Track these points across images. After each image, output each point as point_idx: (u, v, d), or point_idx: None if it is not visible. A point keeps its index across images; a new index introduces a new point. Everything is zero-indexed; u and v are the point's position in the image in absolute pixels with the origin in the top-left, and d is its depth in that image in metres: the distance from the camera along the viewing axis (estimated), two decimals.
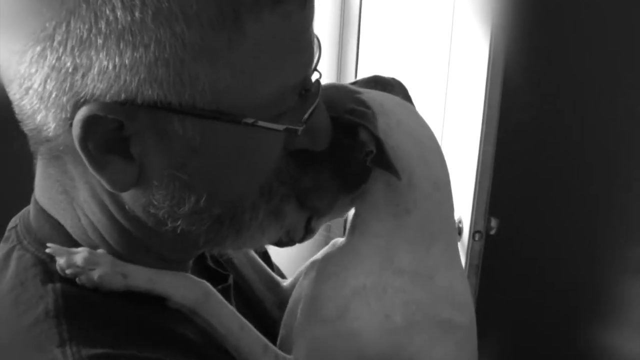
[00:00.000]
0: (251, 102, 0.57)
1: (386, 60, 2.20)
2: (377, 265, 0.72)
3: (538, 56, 1.85)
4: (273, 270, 0.90)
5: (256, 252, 0.88)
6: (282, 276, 0.91)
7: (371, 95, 0.74)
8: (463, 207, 1.78)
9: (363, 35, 2.31)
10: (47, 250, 0.62)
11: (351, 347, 0.70)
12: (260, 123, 0.57)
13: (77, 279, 0.60)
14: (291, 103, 0.60)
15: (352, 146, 0.69)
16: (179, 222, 0.60)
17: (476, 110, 1.71)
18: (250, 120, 0.57)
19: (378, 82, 0.81)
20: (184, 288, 0.65)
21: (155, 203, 0.59)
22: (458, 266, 0.77)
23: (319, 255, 0.80)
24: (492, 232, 1.82)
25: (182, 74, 0.53)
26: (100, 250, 0.63)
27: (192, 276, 0.67)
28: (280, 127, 0.58)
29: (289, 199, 0.68)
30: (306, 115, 0.61)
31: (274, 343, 0.73)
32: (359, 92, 0.74)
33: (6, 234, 0.67)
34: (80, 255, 0.61)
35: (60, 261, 0.60)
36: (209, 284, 0.67)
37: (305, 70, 0.61)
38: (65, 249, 0.62)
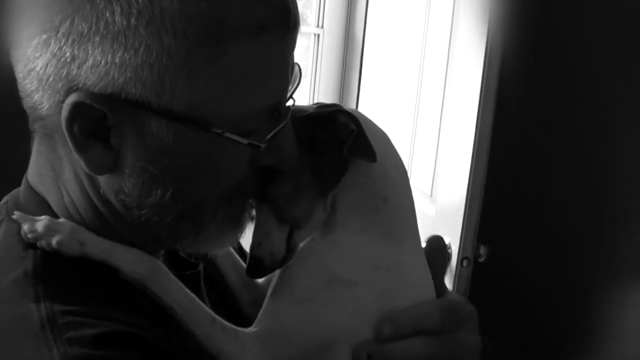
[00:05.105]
0: (222, 115, 0.63)
1: (385, 91, 2.27)
2: (354, 261, 0.77)
3: (531, 84, 1.90)
4: None
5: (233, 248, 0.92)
6: None
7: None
8: (452, 233, 1.81)
9: (365, 65, 2.38)
10: (13, 217, 0.68)
11: (313, 330, 0.74)
12: (227, 134, 0.63)
13: (37, 243, 0.66)
14: (261, 123, 0.66)
15: (331, 133, 0.75)
16: (144, 211, 0.66)
17: (468, 137, 1.76)
18: (218, 131, 0.63)
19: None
20: (135, 262, 0.69)
21: (126, 191, 0.65)
22: (422, 256, 0.83)
23: None
24: (481, 259, 1.85)
25: (164, 79, 0.60)
26: (62, 220, 0.68)
27: (145, 253, 0.71)
28: (245, 141, 0.65)
29: (249, 209, 0.74)
30: (270, 135, 0.67)
31: None
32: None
33: None
34: (41, 222, 0.66)
35: (24, 227, 0.66)
36: (159, 261, 0.72)
37: (279, 94, 0.68)
38: (29, 216, 0.67)
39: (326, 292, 0.75)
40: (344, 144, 0.75)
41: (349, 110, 0.78)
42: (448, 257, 1.83)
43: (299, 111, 0.76)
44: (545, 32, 1.92)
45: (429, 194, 1.95)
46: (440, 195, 1.91)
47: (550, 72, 1.94)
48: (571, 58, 1.93)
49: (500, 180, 1.86)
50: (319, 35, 2.45)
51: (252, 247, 0.77)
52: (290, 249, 0.78)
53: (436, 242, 0.84)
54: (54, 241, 0.65)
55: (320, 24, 2.45)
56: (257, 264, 0.76)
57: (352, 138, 0.74)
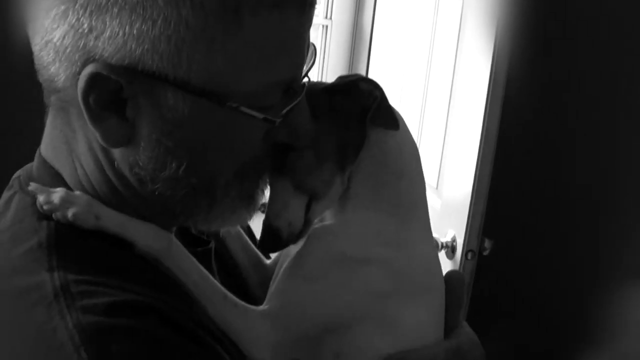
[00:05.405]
0: (238, 89, 0.63)
1: (392, 84, 2.27)
2: (365, 238, 0.78)
3: (538, 81, 1.90)
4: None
5: (242, 228, 0.92)
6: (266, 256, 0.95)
7: None
8: (457, 226, 1.82)
9: (373, 57, 2.38)
10: (29, 188, 0.67)
11: (324, 309, 0.75)
12: (242, 109, 0.63)
13: (53, 215, 0.65)
14: (276, 99, 0.66)
15: (353, 103, 0.75)
16: (158, 185, 0.66)
17: (474, 130, 1.76)
18: (233, 105, 0.63)
19: None
20: (150, 237, 0.69)
21: (141, 164, 0.65)
22: (431, 235, 0.84)
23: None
24: (486, 252, 1.85)
25: (181, 51, 0.60)
26: (77, 192, 0.68)
27: (159, 228, 0.71)
28: (260, 115, 0.64)
29: (262, 186, 0.74)
30: (284, 110, 0.66)
31: None
32: None
33: (10, 183, 0.74)
34: (57, 194, 0.66)
35: (40, 198, 0.66)
36: (173, 236, 0.72)
37: (294, 71, 0.67)
38: (45, 188, 0.67)
39: (337, 270, 0.75)
40: (364, 115, 0.75)
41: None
42: (453, 248, 1.84)
43: (318, 84, 0.76)
44: (552, 23, 1.92)
45: (435, 186, 1.95)
46: (446, 187, 1.91)
47: (558, 68, 1.94)
48: (576, 53, 1.93)
49: (506, 175, 1.86)
50: (327, 26, 2.45)
51: (268, 218, 0.76)
52: (306, 222, 0.77)
53: (456, 275, 0.85)
54: (69, 213, 0.65)
55: (328, 16, 2.45)
56: (274, 235, 0.76)
57: (376, 105, 0.75)
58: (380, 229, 0.78)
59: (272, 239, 0.76)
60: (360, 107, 0.76)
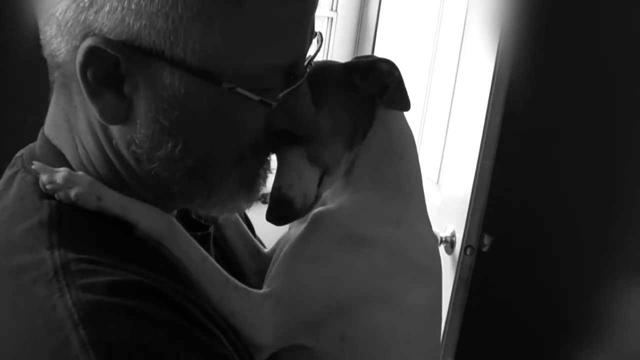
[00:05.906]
0: (235, 70, 0.62)
1: None
2: (368, 218, 0.78)
3: (540, 78, 1.90)
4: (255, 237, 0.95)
5: (240, 217, 0.92)
6: (263, 246, 0.95)
7: None
8: (457, 221, 1.82)
9: (377, 50, 2.38)
10: (33, 167, 0.67)
11: (326, 289, 0.74)
12: (238, 90, 0.62)
13: (55, 195, 0.65)
14: (274, 82, 0.65)
15: (370, 82, 0.77)
16: (154, 165, 0.65)
17: (476, 127, 1.76)
18: (230, 85, 0.62)
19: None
20: (151, 219, 0.68)
21: (137, 142, 0.65)
22: (428, 217, 0.84)
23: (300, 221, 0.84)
24: (485, 248, 1.85)
25: (178, 29, 0.59)
26: (80, 172, 0.67)
27: (160, 210, 0.70)
28: (256, 97, 0.63)
29: (263, 175, 0.72)
30: (283, 93, 0.65)
31: None
32: None
33: (12, 161, 0.73)
34: (60, 174, 0.66)
35: (43, 178, 0.66)
36: (174, 219, 0.71)
37: (294, 56, 0.66)
38: (49, 167, 0.67)
39: (340, 251, 0.75)
40: (380, 95, 0.77)
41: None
42: (452, 243, 1.85)
43: (332, 62, 0.78)
44: (555, 20, 1.92)
45: (436, 181, 1.95)
46: (446, 183, 1.91)
47: (560, 64, 1.94)
48: (578, 50, 1.93)
49: (506, 171, 1.86)
50: (332, 18, 2.44)
51: (280, 188, 0.74)
52: (317, 195, 0.77)
53: None
54: (72, 193, 0.65)
55: (334, 8, 2.44)
56: (286, 205, 0.74)
57: (394, 85, 0.77)
58: (383, 209, 0.79)
59: (284, 209, 0.74)
60: (377, 88, 0.77)
